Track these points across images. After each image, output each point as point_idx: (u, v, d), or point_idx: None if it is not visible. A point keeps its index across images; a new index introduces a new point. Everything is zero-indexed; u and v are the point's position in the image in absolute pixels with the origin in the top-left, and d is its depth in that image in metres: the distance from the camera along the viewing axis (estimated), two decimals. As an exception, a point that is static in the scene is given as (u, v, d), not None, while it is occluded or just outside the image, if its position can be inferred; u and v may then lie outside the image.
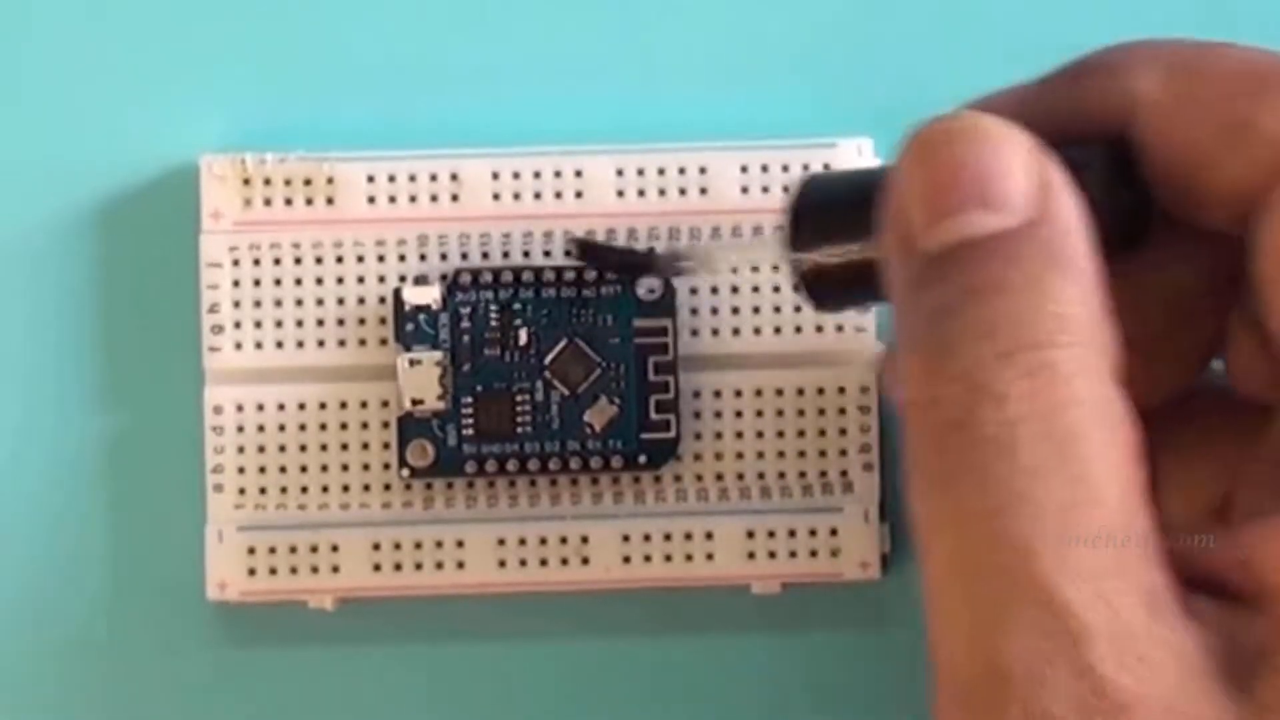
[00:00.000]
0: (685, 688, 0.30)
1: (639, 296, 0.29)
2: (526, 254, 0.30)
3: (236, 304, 0.30)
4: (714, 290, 0.30)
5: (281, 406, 0.30)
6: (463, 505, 0.30)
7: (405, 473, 0.29)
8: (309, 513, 0.30)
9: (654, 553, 0.30)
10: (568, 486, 0.30)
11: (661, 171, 0.30)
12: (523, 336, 0.29)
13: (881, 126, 0.29)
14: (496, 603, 0.30)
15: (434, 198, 0.30)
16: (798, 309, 0.30)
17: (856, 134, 0.30)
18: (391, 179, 0.30)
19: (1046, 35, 0.31)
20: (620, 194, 0.30)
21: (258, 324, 0.30)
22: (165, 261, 0.30)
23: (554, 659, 0.30)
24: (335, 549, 0.30)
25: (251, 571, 0.29)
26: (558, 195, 0.30)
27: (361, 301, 0.30)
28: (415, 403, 0.29)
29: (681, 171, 0.30)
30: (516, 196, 0.30)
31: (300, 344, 0.30)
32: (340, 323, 0.30)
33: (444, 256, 0.30)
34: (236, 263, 0.30)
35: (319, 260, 0.30)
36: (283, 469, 0.30)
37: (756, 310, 0.30)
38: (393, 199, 0.30)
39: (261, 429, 0.30)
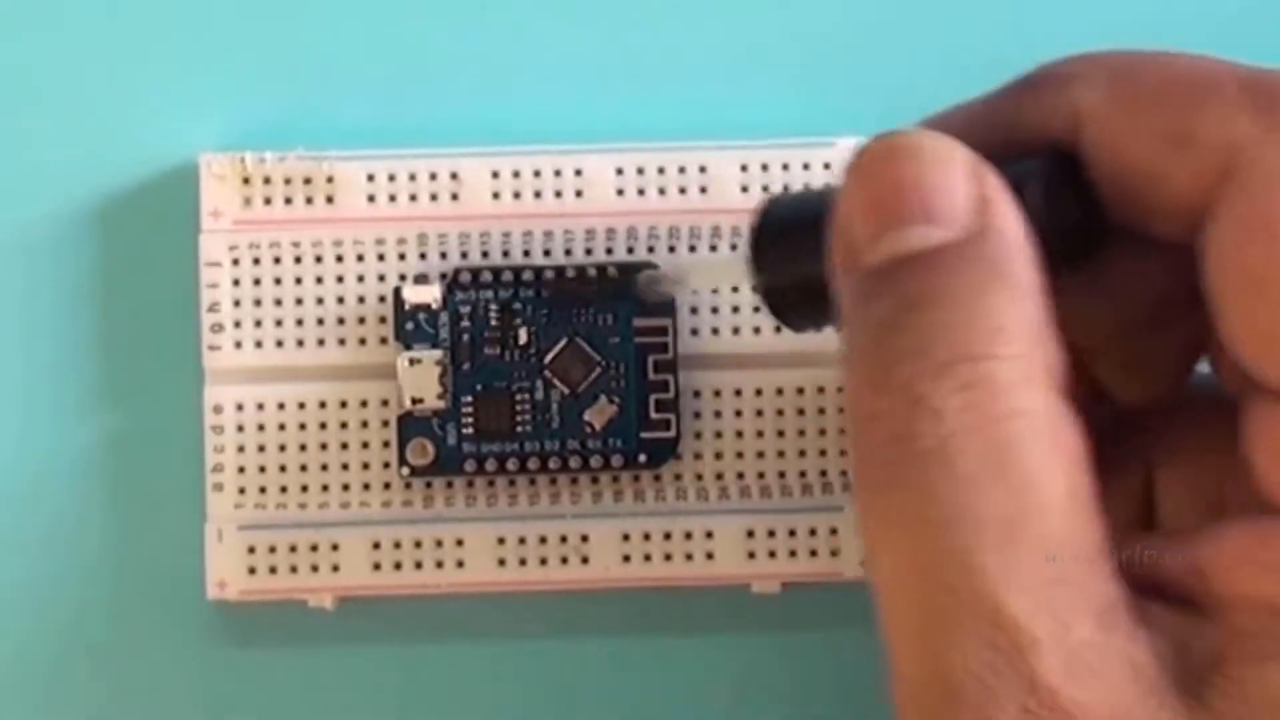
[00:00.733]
0: (685, 688, 0.30)
1: (639, 296, 0.29)
2: (526, 253, 0.30)
3: (236, 303, 0.30)
4: (714, 290, 0.30)
5: (281, 406, 0.30)
6: (462, 504, 0.30)
7: (405, 472, 0.29)
8: (309, 512, 0.30)
9: (654, 552, 0.30)
10: (567, 486, 0.30)
11: (661, 171, 0.30)
12: (523, 336, 0.29)
13: (881, 126, 0.29)
14: (496, 602, 0.30)
15: (434, 197, 0.30)
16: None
17: (856, 134, 0.30)
18: (391, 178, 0.30)
19: (1047, 35, 0.31)
20: (620, 194, 0.30)
21: (257, 323, 0.30)
22: (165, 261, 0.30)
23: (554, 659, 0.30)
24: (335, 548, 0.29)
25: (251, 570, 0.29)
26: (558, 195, 0.30)
27: (361, 301, 0.30)
28: (415, 402, 0.29)
29: (681, 171, 0.30)
30: (516, 196, 0.30)
31: (300, 343, 0.30)
32: (340, 322, 0.30)
33: (444, 256, 0.30)
34: (236, 262, 0.30)
35: (319, 259, 0.30)
36: (283, 468, 0.30)
37: (757, 310, 0.30)
38: (393, 198, 0.30)
39: (261, 428, 0.30)
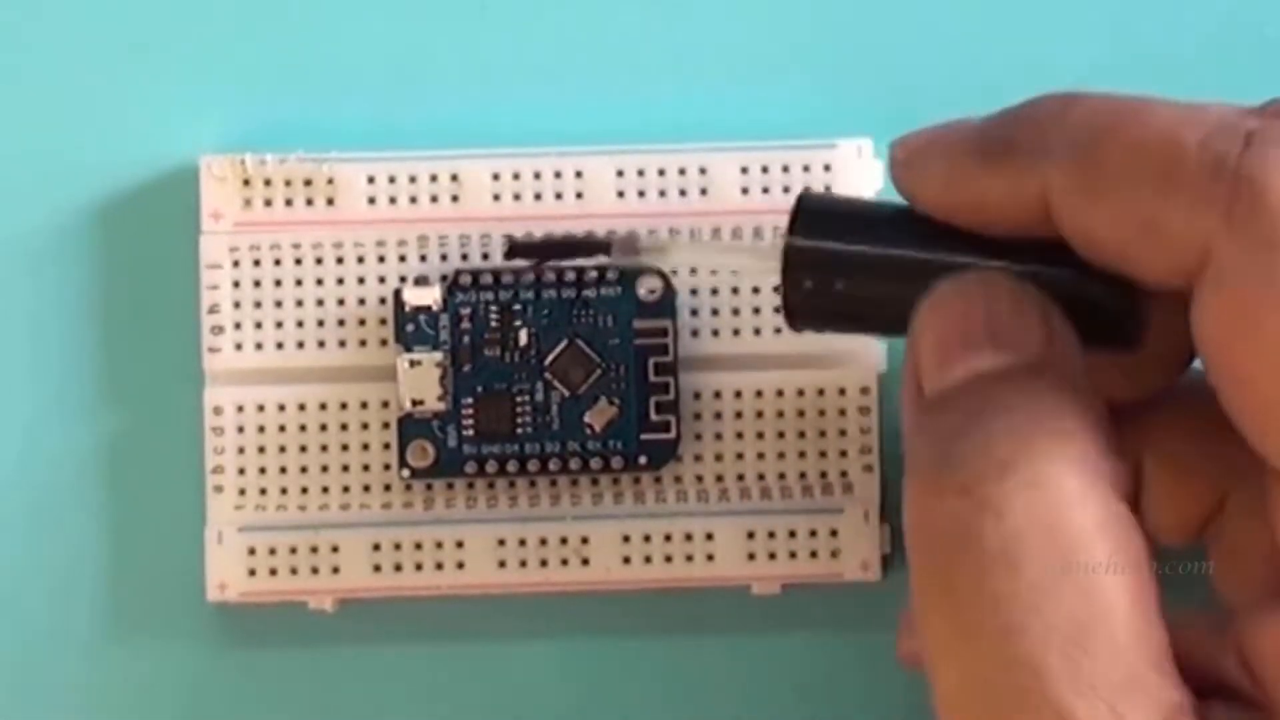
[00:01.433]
0: (685, 688, 0.30)
1: (639, 297, 0.29)
2: (527, 254, 0.30)
3: (236, 305, 0.30)
4: (714, 291, 0.30)
5: (281, 407, 0.30)
6: (463, 506, 0.30)
7: (405, 473, 0.29)
8: (309, 513, 0.30)
9: (654, 553, 0.30)
10: (568, 487, 0.30)
11: (661, 172, 0.30)
12: (523, 337, 0.29)
13: (881, 127, 0.29)
14: (496, 603, 0.30)
15: (434, 198, 0.30)
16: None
17: (856, 134, 0.30)
18: (391, 179, 0.30)
19: (1046, 35, 0.31)
20: (620, 194, 0.30)
21: (258, 325, 0.30)
22: (165, 262, 0.30)
23: (554, 659, 0.30)
24: (335, 549, 0.29)
25: (251, 572, 0.29)
26: (558, 195, 0.30)
27: (361, 302, 0.30)
28: (415, 403, 0.29)
29: (681, 172, 0.30)
30: (516, 196, 0.30)
31: (300, 344, 0.30)
32: (340, 323, 0.30)
33: (444, 257, 0.30)
34: (236, 263, 0.30)
35: (319, 261, 0.30)
36: (283, 469, 0.30)
37: (756, 311, 0.30)
38: (393, 199, 0.30)
39: (261, 430, 0.30)
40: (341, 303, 0.30)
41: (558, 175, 0.30)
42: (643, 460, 0.29)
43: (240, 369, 0.30)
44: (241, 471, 0.30)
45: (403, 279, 0.30)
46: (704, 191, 0.30)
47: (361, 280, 0.30)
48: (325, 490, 0.30)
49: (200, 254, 0.30)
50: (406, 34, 0.31)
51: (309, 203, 0.30)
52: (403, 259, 0.30)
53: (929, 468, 0.22)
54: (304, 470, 0.30)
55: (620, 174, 0.30)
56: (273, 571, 0.29)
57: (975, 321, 0.23)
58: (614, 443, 0.29)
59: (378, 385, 0.30)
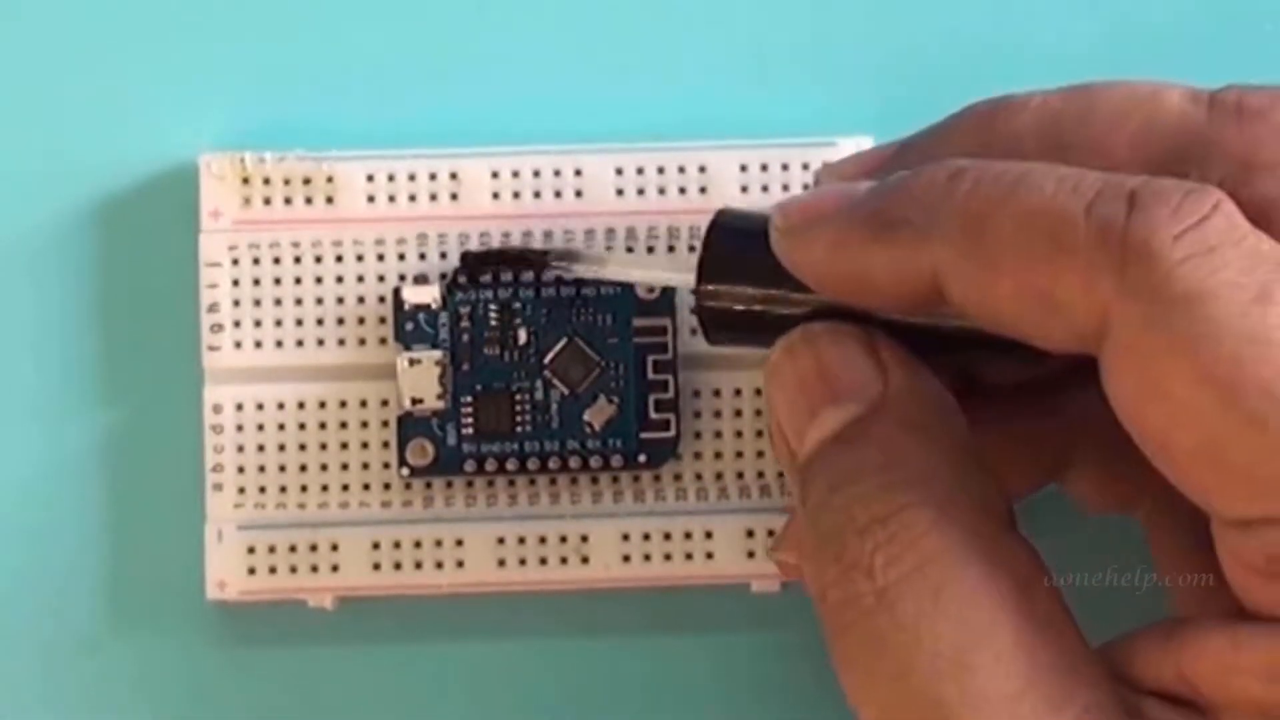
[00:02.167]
0: (685, 688, 0.30)
1: (639, 296, 0.29)
2: (526, 254, 0.30)
3: (236, 303, 0.30)
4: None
5: (281, 406, 0.30)
6: (462, 504, 0.30)
7: (405, 472, 0.29)
8: (309, 512, 0.30)
9: (654, 552, 0.30)
10: (567, 486, 0.30)
11: (661, 171, 0.30)
12: (522, 336, 0.29)
13: (882, 126, 0.29)
14: (496, 602, 0.30)
15: (434, 197, 0.30)
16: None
17: (856, 132, 0.30)
18: (391, 178, 0.30)
19: (1046, 35, 0.31)
20: (620, 194, 0.30)
21: (257, 323, 0.30)
22: (164, 261, 0.30)
23: (554, 659, 0.30)
24: (335, 548, 0.29)
25: (251, 570, 0.29)
26: (558, 195, 0.30)
27: (361, 301, 0.30)
28: (415, 402, 0.29)
29: (681, 171, 0.30)
30: (516, 196, 0.30)
31: (300, 343, 0.30)
32: (340, 322, 0.30)
33: (444, 256, 0.30)
34: (236, 262, 0.30)
35: (319, 259, 0.30)
36: (282, 468, 0.30)
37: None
38: (392, 198, 0.30)
39: (261, 428, 0.30)
40: (341, 301, 0.30)
41: (557, 174, 0.30)
42: (642, 458, 0.29)
43: (240, 367, 0.30)
44: (241, 470, 0.30)
45: (402, 277, 0.30)
46: (704, 191, 0.30)
47: (361, 279, 0.30)
48: (325, 489, 0.30)
49: (200, 252, 0.30)
50: (406, 33, 0.31)
51: (308, 201, 0.30)
52: (402, 257, 0.30)
53: (811, 545, 0.24)
54: (303, 469, 0.30)
55: (620, 172, 0.30)
56: (272, 570, 0.29)
57: (811, 381, 0.24)
58: (613, 441, 0.29)
59: (377, 384, 0.30)
